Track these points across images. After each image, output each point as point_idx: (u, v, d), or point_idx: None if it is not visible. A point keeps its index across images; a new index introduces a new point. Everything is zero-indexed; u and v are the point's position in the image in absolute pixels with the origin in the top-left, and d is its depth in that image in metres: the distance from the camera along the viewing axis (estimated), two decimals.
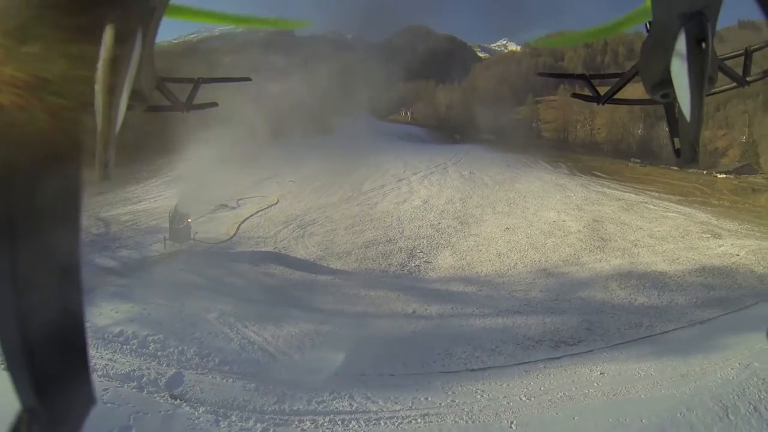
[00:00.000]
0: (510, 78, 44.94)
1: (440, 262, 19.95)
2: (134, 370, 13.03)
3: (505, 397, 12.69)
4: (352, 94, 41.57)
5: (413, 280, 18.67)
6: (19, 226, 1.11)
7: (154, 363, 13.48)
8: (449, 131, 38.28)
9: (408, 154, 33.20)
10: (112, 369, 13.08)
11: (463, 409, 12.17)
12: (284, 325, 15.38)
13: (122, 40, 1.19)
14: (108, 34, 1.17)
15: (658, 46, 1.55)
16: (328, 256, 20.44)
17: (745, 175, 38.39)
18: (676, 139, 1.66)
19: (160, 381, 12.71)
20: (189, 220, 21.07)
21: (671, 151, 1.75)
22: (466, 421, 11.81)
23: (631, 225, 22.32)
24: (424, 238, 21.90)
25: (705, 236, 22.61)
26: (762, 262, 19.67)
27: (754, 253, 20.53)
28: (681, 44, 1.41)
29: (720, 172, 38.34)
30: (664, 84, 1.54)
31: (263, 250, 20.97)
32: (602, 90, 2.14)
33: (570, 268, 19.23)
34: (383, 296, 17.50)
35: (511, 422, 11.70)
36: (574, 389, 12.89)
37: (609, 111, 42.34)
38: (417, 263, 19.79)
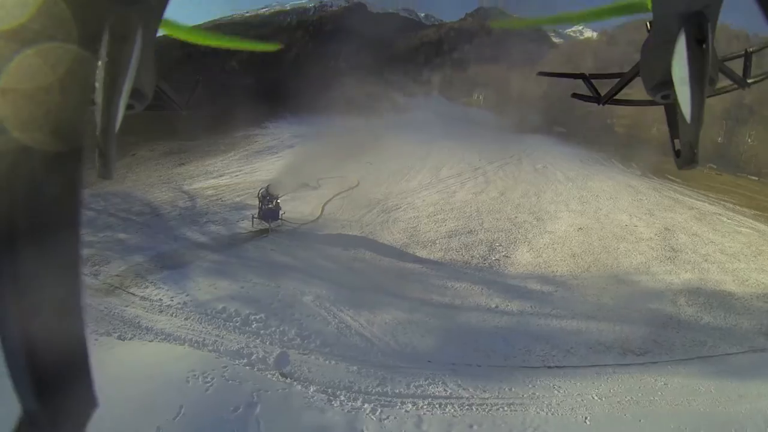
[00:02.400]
0: (584, 66, 43.19)
1: (518, 257, 20.87)
2: (242, 348, 14.36)
3: (579, 394, 13.96)
4: (423, 73, 42.03)
5: (494, 274, 19.69)
6: (19, 226, 1.08)
7: (258, 341, 14.79)
8: (521, 119, 37.93)
9: (482, 142, 33.22)
10: (222, 345, 14.38)
11: (543, 402, 13.55)
12: (377, 312, 16.63)
13: (123, 40, 1.25)
14: (108, 34, 1.22)
15: (658, 46, 1.60)
16: (413, 244, 21.45)
17: None
18: (676, 141, 1.73)
19: (268, 360, 14.05)
20: (278, 201, 22.05)
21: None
22: (546, 413, 13.15)
23: (702, 237, 22.50)
24: (502, 231, 22.70)
25: None
26: None
27: None
28: (681, 45, 1.47)
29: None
30: (664, 85, 1.61)
31: (351, 234, 21.96)
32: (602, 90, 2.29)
33: (640, 277, 19.81)
34: (467, 289, 18.65)
35: (586, 418, 13.03)
36: (640, 395, 14.00)
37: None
38: (497, 257, 20.78)
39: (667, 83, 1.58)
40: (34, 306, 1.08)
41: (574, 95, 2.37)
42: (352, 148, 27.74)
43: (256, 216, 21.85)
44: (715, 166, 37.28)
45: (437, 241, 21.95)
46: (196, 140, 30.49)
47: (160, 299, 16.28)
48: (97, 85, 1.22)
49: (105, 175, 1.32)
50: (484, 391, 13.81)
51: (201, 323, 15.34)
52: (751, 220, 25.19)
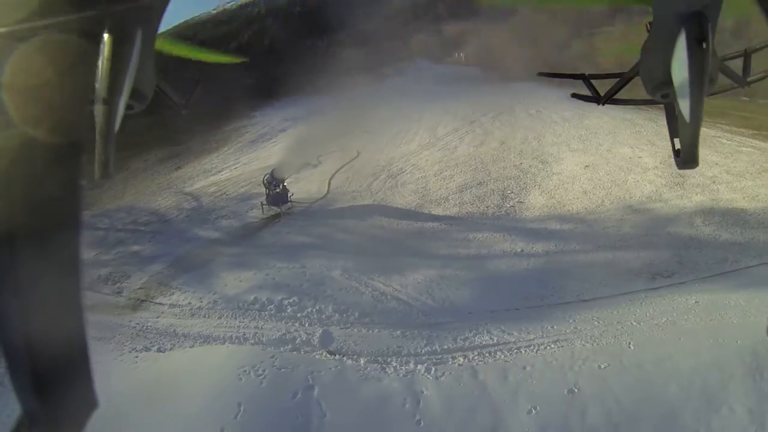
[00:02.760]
0: (563, 10, 42.75)
1: (532, 201, 20.84)
2: (284, 334, 14.46)
3: (618, 322, 14.15)
4: (401, 39, 41.30)
5: (512, 221, 19.74)
6: (19, 227, 1.10)
7: (297, 324, 14.89)
8: (504, 70, 37.26)
9: (472, 96, 32.73)
10: (264, 336, 14.46)
11: (586, 335, 13.79)
12: (408, 274, 16.69)
13: (123, 40, 1.24)
14: (108, 33, 1.21)
15: (658, 46, 1.60)
16: (427, 203, 21.46)
17: None
18: (675, 140, 1.74)
19: (313, 340, 14.17)
20: (285, 184, 21.94)
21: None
22: (591, 344, 13.41)
23: (706, 161, 21.98)
24: (510, 179, 22.59)
25: None
26: None
27: None
28: (681, 45, 1.46)
29: None
30: (664, 84, 1.61)
31: (363, 203, 21.92)
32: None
33: (654, 205, 19.81)
34: (490, 238, 18.75)
35: (629, 344, 13.18)
36: (675, 315, 14.24)
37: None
38: (511, 204, 20.79)
39: (667, 83, 1.59)
40: (34, 306, 1.13)
41: (574, 95, 2.44)
42: (344, 122, 27.22)
43: (265, 203, 21.71)
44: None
45: (450, 197, 21.93)
46: (186, 142, 30.01)
47: (189, 303, 16.21)
48: (97, 85, 1.23)
49: (104, 175, 1.30)
50: (529, 333, 14.03)
51: (236, 318, 15.35)
52: (750, 140, 24.89)
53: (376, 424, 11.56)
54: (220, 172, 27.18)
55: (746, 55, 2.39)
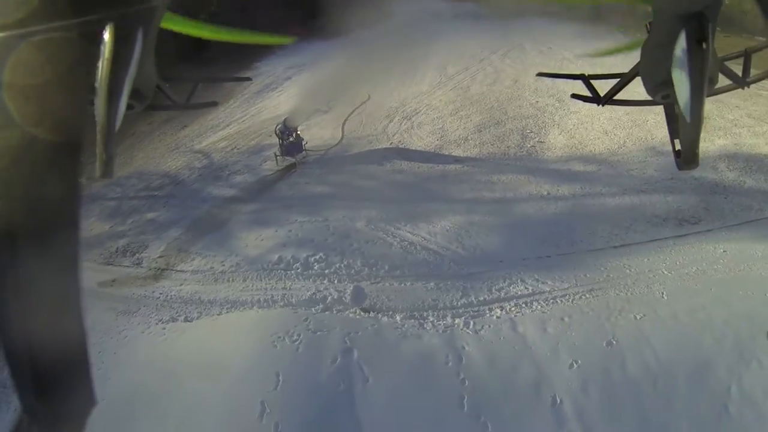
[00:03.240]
0: None
1: (552, 141, 19.97)
2: (314, 294, 13.76)
3: (649, 270, 13.73)
4: None
5: (534, 161, 18.95)
6: (18, 225, 1.09)
7: (326, 282, 14.19)
8: (509, 5, 35.43)
9: (478, 33, 31.08)
10: (293, 297, 13.78)
11: (619, 283, 13.35)
12: (435, 220, 16.04)
13: (123, 39, 1.22)
14: (109, 33, 1.19)
15: (658, 46, 1.59)
16: (447, 144, 20.50)
17: None
18: (676, 141, 1.73)
19: (344, 298, 13.56)
20: (298, 132, 20.78)
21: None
22: (625, 294, 12.98)
23: (726, 103, 21.09)
24: (528, 118, 21.55)
25: None
26: None
27: None
28: (681, 45, 1.45)
29: None
30: (664, 85, 1.60)
31: (380, 147, 20.89)
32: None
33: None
34: (514, 180, 18.03)
35: (662, 293, 12.88)
36: (704, 264, 13.80)
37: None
38: (532, 144, 19.91)
39: (667, 83, 1.57)
40: (34, 304, 1.13)
41: (574, 96, 2.41)
42: (350, 65, 25.56)
43: (278, 154, 20.72)
44: (719, 29, 35.11)
45: (469, 138, 20.97)
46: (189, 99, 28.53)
47: (212, 267, 15.46)
48: (97, 84, 1.21)
49: (105, 174, 1.26)
50: (563, 282, 13.55)
51: (262, 280, 14.64)
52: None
53: (421, 387, 11.10)
54: (228, 126, 25.77)
55: (746, 55, 2.32)
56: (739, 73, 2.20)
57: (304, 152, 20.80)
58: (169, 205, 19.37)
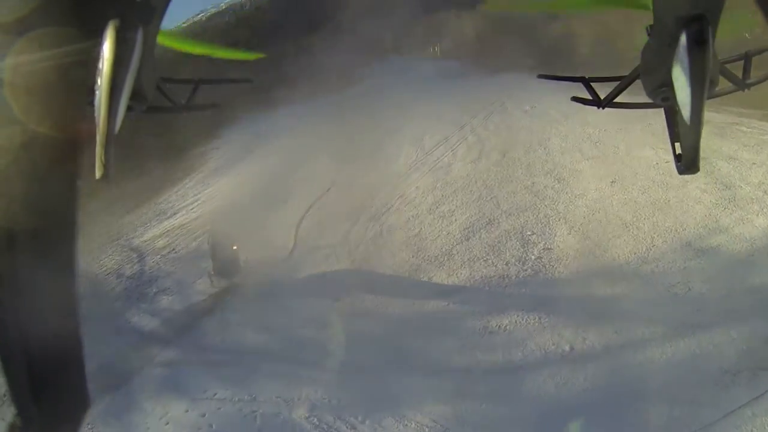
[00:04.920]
0: None
1: (561, 245, 13.52)
2: None
3: None
4: (370, 36, 35.14)
5: (544, 286, 12.40)
6: (16, 228, 0.97)
7: None
8: (484, 61, 30.01)
9: (456, 94, 24.84)
10: None
11: None
12: (408, 413, 9.46)
13: (123, 41, 1.07)
14: (109, 34, 1.05)
15: (658, 49, 1.39)
16: (425, 264, 13.84)
17: None
18: (676, 144, 1.52)
19: None
20: (235, 247, 14.40)
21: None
22: None
23: (740, 160, 15.39)
24: (526, 210, 15.07)
25: None
26: None
27: None
28: (682, 48, 1.24)
29: None
30: (664, 87, 1.39)
31: (338, 268, 14.19)
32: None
33: (716, 238, 12.70)
34: (519, 324, 11.36)
35: None
36: None
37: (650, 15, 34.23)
38: (536, 254, 13.36)
39: (668, 86, 1.40)
40: (30, 307, 1.02)
41: (574, 99, 2.17)
42: (316, 141, 19.72)
43: (212, 273, 14.44)
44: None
45: (454, 251, 14.14)
46: (148, 172, 21.91)
47: None
48: (97, 85, 1.11)
49: (104, 176, 1.17)
50: None
51: None
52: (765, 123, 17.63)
53: None
54: (174, 214, 19.42)
55: (747, 58, 1.98)
56: (740, 75, 1.93)
57: (240, 272, 14.31)
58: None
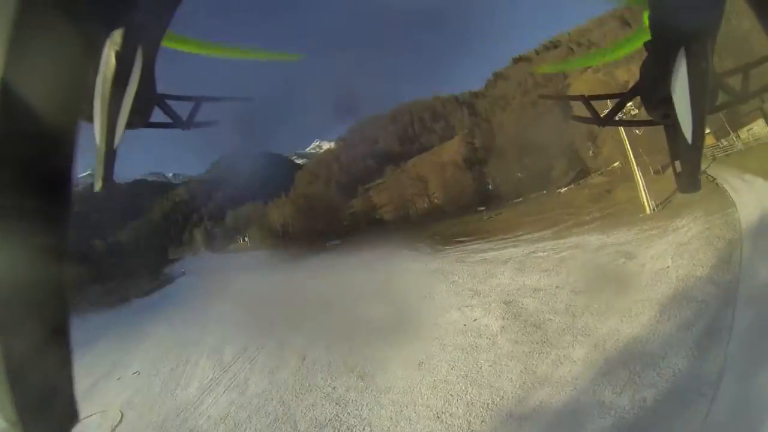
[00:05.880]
0: (335, 176, 39.20)
1: None
2: None
3: None
4: (181, 234, 34.69)
5: None
6: (6, 237, 0.92)
7: None
8: (289, 248, 31.61)
9: (255, 292, 24.10)
10: None
11: None
12: None
13: (123, 57, 1.09)
14: (108, 51, 1.06)
15: (657, 65, 1.37)
16: None
17: (581, 181, 32.04)
18: (677, 162, 1.48)
19: None
20: None
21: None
22: None
23: (544, 289, 15.74)
24: (325, 427, 12.94)
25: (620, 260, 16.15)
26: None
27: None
28: (681, 63, 1.27)
29: (560, 188, 32.18)
30: (664, 104, 1.38)
31: None
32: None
33: (537, 395, 11.65)
34: None
35: None
36: None
37: (437, 172, 37.25)
38: None
39: (667, 102, 1.39)
40: (16, 320, 0.98)
41: (575, 118, 2.04)
42: (117, 353, 19.22)
43: None
44: (482, 208, 33.16)
45: None
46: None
47: None
48: (97, 101, 1.13)
49: (104, 188, 1.21)
50: None
51: None
52: (567, 240, 18.81)
53: None
54: None
55: (745, 71, 1.76)
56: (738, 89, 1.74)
57: None
58: None
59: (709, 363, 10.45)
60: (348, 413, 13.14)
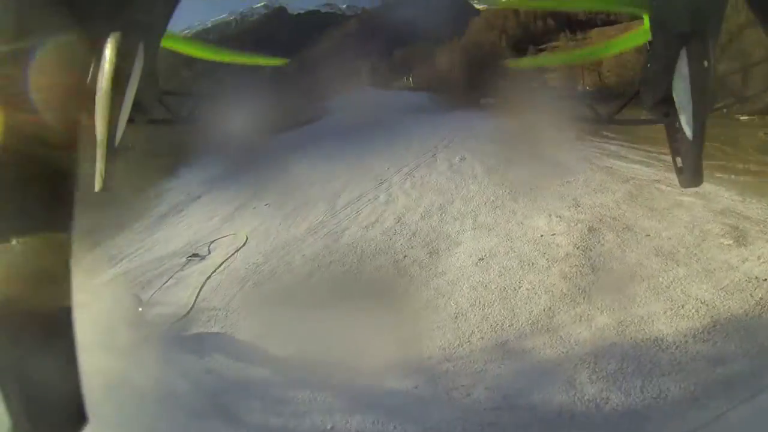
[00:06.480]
0: (509, 29, 36.02)
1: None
2: None
3: None
4: (348, 66, 34.91)
5: None
6: (12, 235, 1.02)
7: None
8: (450, 95, 30.41)
9: (398, 138, 25.22)
10: None
11: None
12: None
13: (124, 54, 1.17)
14: (110, 48, 1.15)
15: (659, 65, 1.48)
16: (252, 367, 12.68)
17: None
18: (678, 159, 1.60)
19: None
20: (140, 309, 14.81)
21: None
22: None
23: (634, 230, 14.36)
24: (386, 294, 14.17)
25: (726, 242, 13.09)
26: None
27: None
28: (682, 63, 1.38)
29: (743, 114, 24.41)
30: (665, 103, 1.51)
31: (210, 330, 14.25)
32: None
33: (538, 339, 11.56)
34: None
35: None
36: None
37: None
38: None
39: (668, 101, 1.52)
40: (25, 323, 1.12)
41: (578, 118, 1.38)
42: (258, 185, 21.08)
43: None
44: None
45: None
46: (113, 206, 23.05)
47: None
48: (98, 97, 1.19)
49: (105, 187, 1.28)
50: None
51: None
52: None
53: None
54: (117, 264, 20.00)
55: (745, 71, 1.51)
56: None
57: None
58: None
59: None
60: (404, 279, 14.89)
